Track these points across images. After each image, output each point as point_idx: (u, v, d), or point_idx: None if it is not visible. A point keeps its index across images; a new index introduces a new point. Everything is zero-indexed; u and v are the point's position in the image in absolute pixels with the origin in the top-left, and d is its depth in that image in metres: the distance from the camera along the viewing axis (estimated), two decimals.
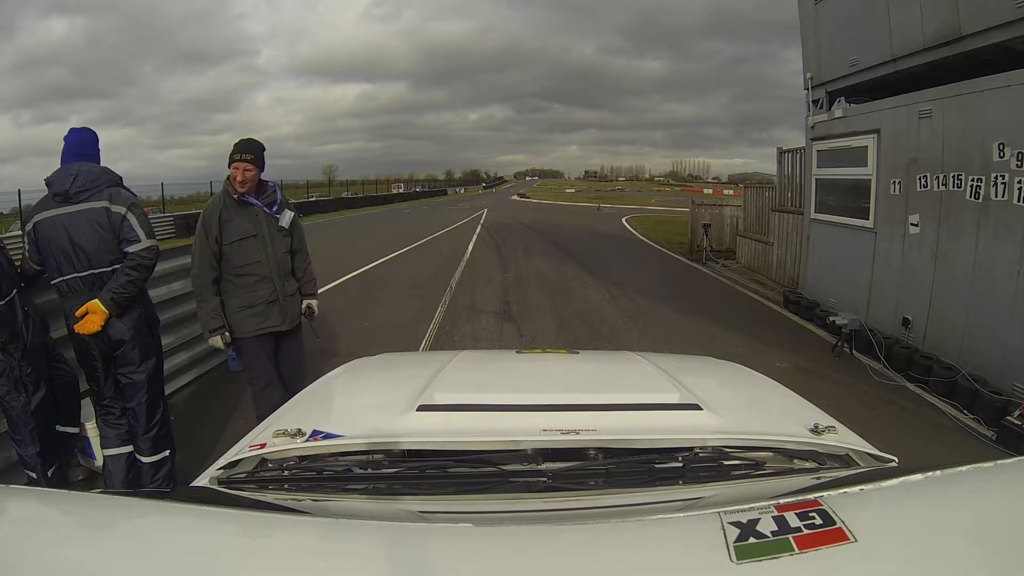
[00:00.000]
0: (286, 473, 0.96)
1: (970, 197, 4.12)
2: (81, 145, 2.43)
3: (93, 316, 2.30)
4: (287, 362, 2.85)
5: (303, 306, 2.90)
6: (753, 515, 0.61)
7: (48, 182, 2.33)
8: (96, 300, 2.30)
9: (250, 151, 2.60)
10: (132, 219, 2.36)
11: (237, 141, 2.63)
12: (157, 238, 2.51)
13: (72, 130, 2.47)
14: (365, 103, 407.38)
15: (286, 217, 2.77)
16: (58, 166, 2.37)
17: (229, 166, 2.60)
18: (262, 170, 2.67)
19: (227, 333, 2.66)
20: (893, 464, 1.01)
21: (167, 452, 2.58)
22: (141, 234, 2.38)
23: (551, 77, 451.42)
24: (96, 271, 2.34)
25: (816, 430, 1.08)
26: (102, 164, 2.47)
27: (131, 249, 2.36)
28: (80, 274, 2.33)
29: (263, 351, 2.74)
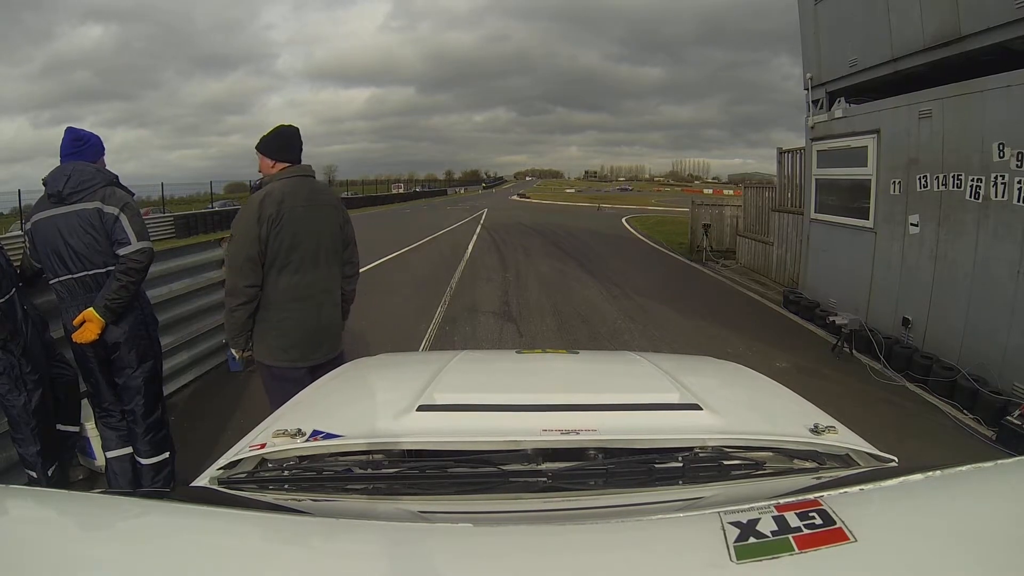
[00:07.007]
0: (286, 473, 0.96)
1: (970, 197, 4.12)
2: (77, 143, 2.37)
3: (90, 325, 2.26)
4: None
5: None
6: (753, 515, 0.61)
7: (44, 182, 2.29)
8: (91, 309, 2.26)
9: None
10: (124, 220, 2.28)
11: None
12: (152, 239, 2.41)
13: (69, 128, 2.40)
14: (374, 106, 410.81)
15: None
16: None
17: None
18: (266, 157, 2.29)
19: None
20: (893, 464, 1.01)
21: (167, 454, 2.57)
22: (132, 236, 2.29)
23: (554, 81, 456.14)
24: (90, 272, 2.29)
25: (816, 430, 1.08)
26: (107, 163, 2.44)
27: (122, 252, 2.29)
28: (74, 276, 2.29)
29: None
